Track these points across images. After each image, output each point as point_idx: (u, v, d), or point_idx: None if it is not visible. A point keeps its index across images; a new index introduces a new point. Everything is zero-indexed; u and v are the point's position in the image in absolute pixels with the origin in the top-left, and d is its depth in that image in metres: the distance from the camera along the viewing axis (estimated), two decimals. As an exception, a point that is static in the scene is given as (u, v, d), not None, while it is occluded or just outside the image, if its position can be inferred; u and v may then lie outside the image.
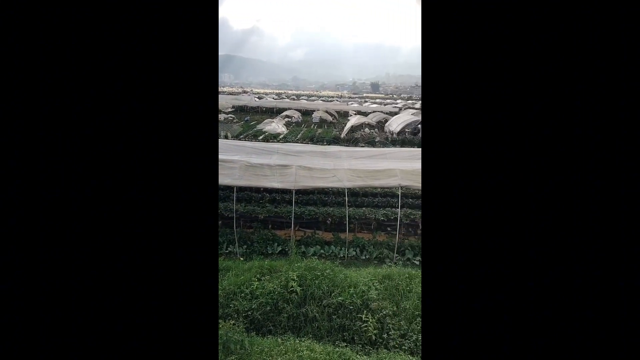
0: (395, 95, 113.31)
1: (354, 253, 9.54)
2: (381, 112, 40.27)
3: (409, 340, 6.13)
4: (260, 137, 23.51)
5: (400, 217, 10.17)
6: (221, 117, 31.90)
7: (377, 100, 75.52)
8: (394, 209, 10.91)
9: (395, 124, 29.18)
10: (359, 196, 12.80)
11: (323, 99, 75.66)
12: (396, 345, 6.03)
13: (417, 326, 6.29)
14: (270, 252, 9.40)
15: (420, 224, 10.71)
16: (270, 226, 10.67)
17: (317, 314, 6.18)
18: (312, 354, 5.07)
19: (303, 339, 5.58)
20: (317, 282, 6.54)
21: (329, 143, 22.28)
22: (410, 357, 5.52)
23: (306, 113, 41.94)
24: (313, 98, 75.78)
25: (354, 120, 31.07)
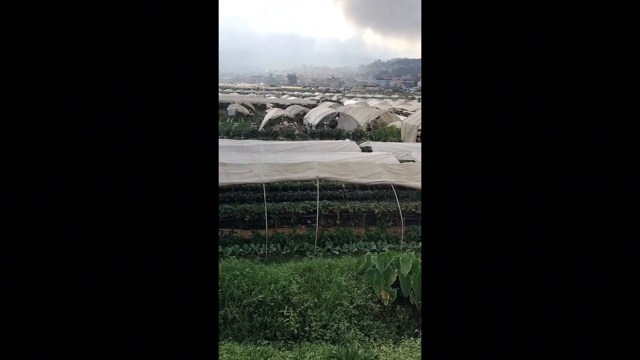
0: (312, 88, 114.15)
1: (275, 249, 9.49)
2: (299, 104, 39.89)
3: (330, 329, 6.27)
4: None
5: (319, 209, 10.22)
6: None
7: (295, 92, 75.12)
8: (313, 202, 10.96)
9: (313, 117, 29.24)
10: (278, 191, 12.75)
11: (239, 91, 74.42)
12: (318, 336, 6.15)
13: (338, 315, 6.48)
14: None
15: (338, 215, 10.96)
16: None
17: (237, 315, 6.19)
18: (232, 357, 5.07)
19: (222, 342, 5.56)
20: (236, 282, 6.52)
21: (247, 137, 22.03)
22: (332, 346, 5.61)
23: (221, 106, 40.15)
24: (228, 90, 73.81)
25: (271, 113, 30.92)
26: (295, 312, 6.31)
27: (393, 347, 5.42)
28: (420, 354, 4.99)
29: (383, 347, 5.40)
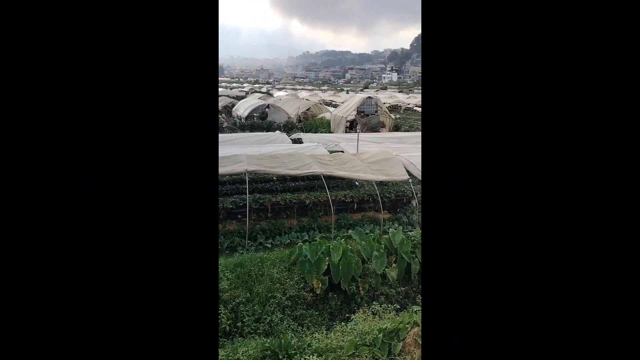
0: (241, 79, 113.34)
1: (205, 247, 9.18)
2: (228, 96, 39.12)
3: (263, 323, 6.30)
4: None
5: (249, 203, 10.08)
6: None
7: (223, 84, 73.41)
8: (242, 196, 10.75)
9: (242, 109, 28.93)
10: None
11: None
12: (251, 331, 6.17)
13: (271, 308, 6.54)
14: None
15: (269, 208, 10.85)
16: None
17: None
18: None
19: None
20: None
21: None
22: (265, 339, 5.60)
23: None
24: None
25: (199, 105, 30.22)
26: (227, 309, 6.30)
27: (325, 334, 5.52)
28: (351, 337, 5.17)
29: (316, 335, 5.47)
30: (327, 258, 7.21)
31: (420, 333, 4.84)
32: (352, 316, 6.18)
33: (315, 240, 8.04)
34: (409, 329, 5.03)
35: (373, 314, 6.02)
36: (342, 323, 6.04)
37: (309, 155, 11.89)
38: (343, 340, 5.17)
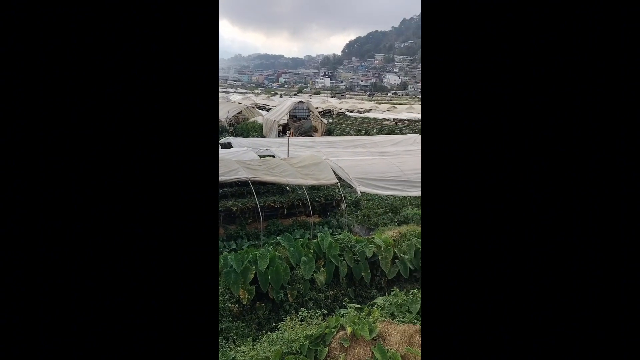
0: None
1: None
2: None
3: None
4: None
5: None
6: None
7: None
8: None
9: None
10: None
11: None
12: None
13: None
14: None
15: None
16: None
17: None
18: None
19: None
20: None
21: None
22: None
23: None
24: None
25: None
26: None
27: (252, 345, 5.34)
28: (277, 347, 5.00)
29: (242, 348, 5.29)
30: (253, 267, 7.01)
31: (345, 337, 4.82)
32: (280, 324, 5.88)
33: (242, 249, 7.81)
34: (335, 333, 5.01)
35: (301, 320, 5.92)
36: (269, 333, 5.78)
37: (237, 160, 11.61)
38: (269, 351, 5.03)
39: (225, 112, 27.66)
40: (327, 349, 4.83)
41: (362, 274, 8.25)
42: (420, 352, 4.62)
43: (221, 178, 10.33)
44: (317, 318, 5.82)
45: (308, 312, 6.01)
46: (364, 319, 5.24)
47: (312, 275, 7.38)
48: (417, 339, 4.74)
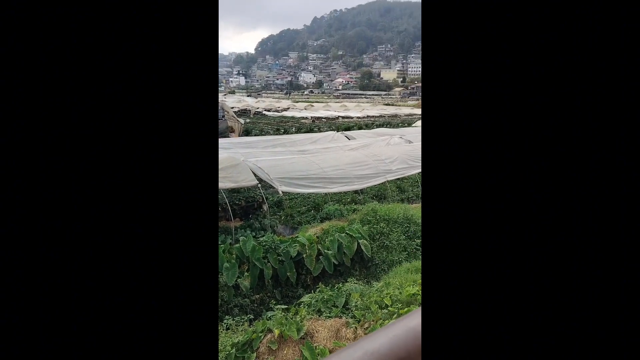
0: None
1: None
2: None
3: None
4: None
5: None
6: None
7: None
8: None
9: None
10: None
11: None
12: None
13: None
14: None
15: None
16: None
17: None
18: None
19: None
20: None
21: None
22: None
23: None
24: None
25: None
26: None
27: None
28: None
29: None
30: (173, 280, 6.88)
31: (273, 339, 4.81)
32: (205, 336, 5.79)
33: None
34: (262, 337, 4.99)
35: (226, 328, 5.86)
36: (194, 345, 5.74)
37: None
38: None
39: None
40: (254, 354, 4.80)
41: (288, 274, 8.21)
42: (346, 345, 4.62)
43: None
44: (243, 324, 5.74)
45: (233, 320, 5.92)
46: (292, 319, 5.20)
47: (236, 280, 7.30)
48: (344, 332, 4.72)
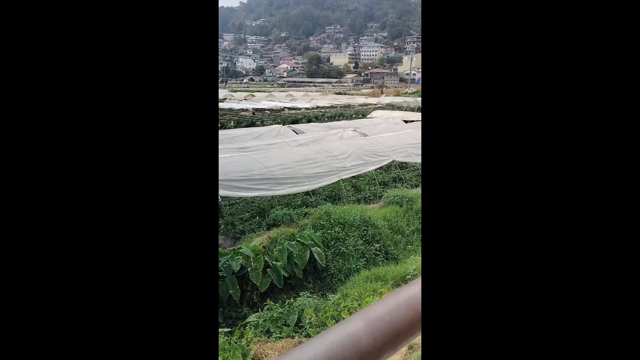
0: None
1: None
2: None
3: None
4: None
5: None
6: None
7: None
8: None
9: None
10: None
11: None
12: None
13: None
14: None
15: None
16: None
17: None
18: None
19: None
20: None
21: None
22: None
23: None
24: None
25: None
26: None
27: None
28: None
29: None
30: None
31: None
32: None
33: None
34: None
35: None
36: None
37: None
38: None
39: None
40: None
41: (230, 291, 7.59)
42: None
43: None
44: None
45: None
46: (236, 343, 4.92)
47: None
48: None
